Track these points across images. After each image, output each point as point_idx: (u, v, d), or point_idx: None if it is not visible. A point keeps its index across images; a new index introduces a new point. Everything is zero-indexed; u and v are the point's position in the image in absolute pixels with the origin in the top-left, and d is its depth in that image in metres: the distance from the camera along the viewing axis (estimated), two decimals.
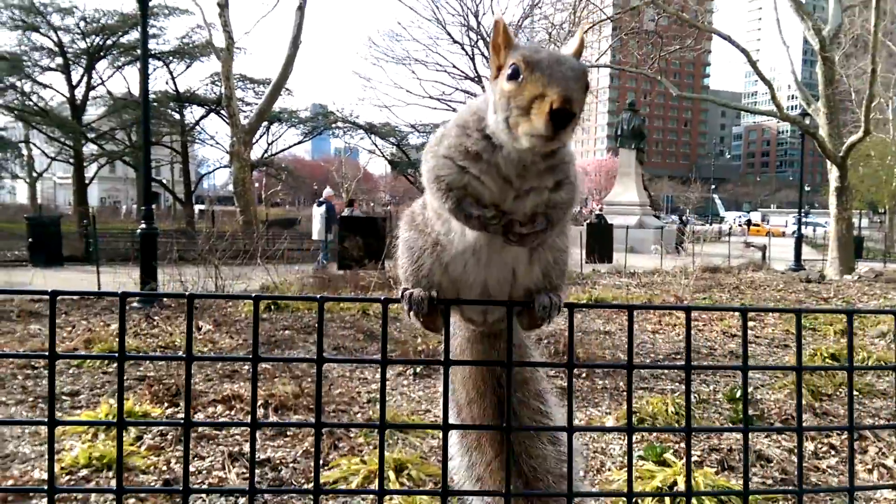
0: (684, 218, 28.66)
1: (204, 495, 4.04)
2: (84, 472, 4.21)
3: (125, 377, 4.85)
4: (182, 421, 1.31)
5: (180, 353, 6.81)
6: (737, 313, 10.21)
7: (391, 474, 4.28)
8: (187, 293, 1.40)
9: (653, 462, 4.47)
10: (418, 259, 1.51)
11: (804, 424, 4.72)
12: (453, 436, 1.76)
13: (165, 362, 6.52)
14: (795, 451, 4.88)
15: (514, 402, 1.61)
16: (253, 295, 1.38)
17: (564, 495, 1.41)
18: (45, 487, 1.25)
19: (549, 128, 1.20)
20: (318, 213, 17.40)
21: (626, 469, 4.08)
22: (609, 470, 4.59)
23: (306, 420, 5.43)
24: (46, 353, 1.31)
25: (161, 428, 4.96)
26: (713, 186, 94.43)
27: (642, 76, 29.18)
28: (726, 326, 10.18)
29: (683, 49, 31.82)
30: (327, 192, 17.62)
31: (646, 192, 34.03)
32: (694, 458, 4.77)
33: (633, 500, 1.40)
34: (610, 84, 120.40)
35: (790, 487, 4.39)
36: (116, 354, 1.31)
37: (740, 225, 60.90)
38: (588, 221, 27.64)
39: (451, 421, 1.77)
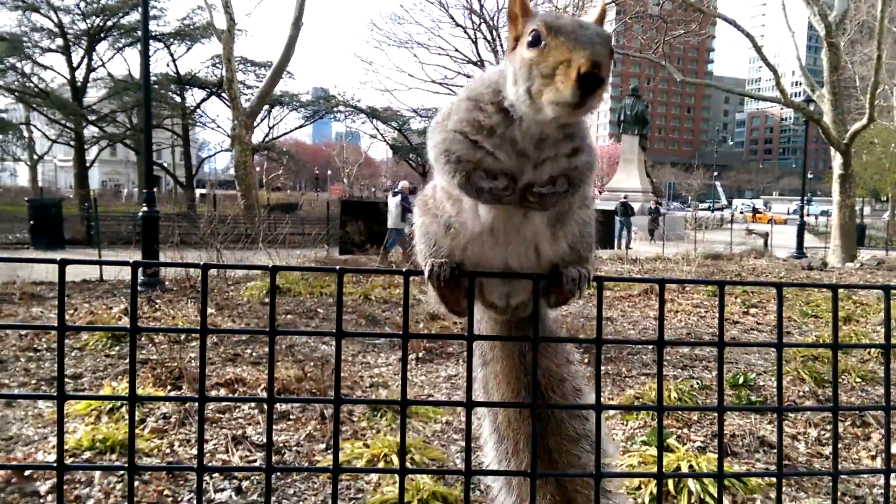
0: (655, 206, 28.01)
1: (207, 477, 4.05)
2: (88, 454, 4.22)
3: (128, 361, 4.80)
4: (196, 396, 1.28)
5: (181, 337, 6.81)
6: (738, 302, 10.15)
7: (393, 458, 4.29)
8: (202, 263, 1.37)
9: (655, 447, 4.46)
10: (435, 244, 1.46)
11: (789, 404, 4.67)
12: (489, 441, 1.72)
13: (168, 345, 6.52)
14: (799, 437, 4.88)
15: (551, 398, 1.58)
16: (270, 266, 1.35)
17: (592, 475, 1.38)
18: (55, 465, 1.23)
19: (577, 94, 1.14)
20: (393, 202, 17.63)
21: (629, 454, 4.05)
22: (612, 455, 4.59)
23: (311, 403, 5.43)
24: (55, 326, 1.28)
25: (164, 411, 4.96)
26: (716, 173, 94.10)
27: (646, 61, 28.99)
28: (728, 313, 10.18)
29: (688, 34, 31.59)
30: (403, 184, 17.73)
31: (648, 179, 33.94)
32: (697, 444, 4.77)
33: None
34: (613, 69, 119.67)
35: (772, 471, 4.39)
36: (128, 327, 1.28)
37: (742, 212, 60.65)
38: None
39: (486, 425, 1.73)
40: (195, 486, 3.92)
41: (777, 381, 1.44)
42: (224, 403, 5.28)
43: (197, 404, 1.30)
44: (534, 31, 1.21)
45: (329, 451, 4.45)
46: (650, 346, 7.96)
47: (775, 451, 4.74)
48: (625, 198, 27.04)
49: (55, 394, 1.24)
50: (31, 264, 11.36)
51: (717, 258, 18.63)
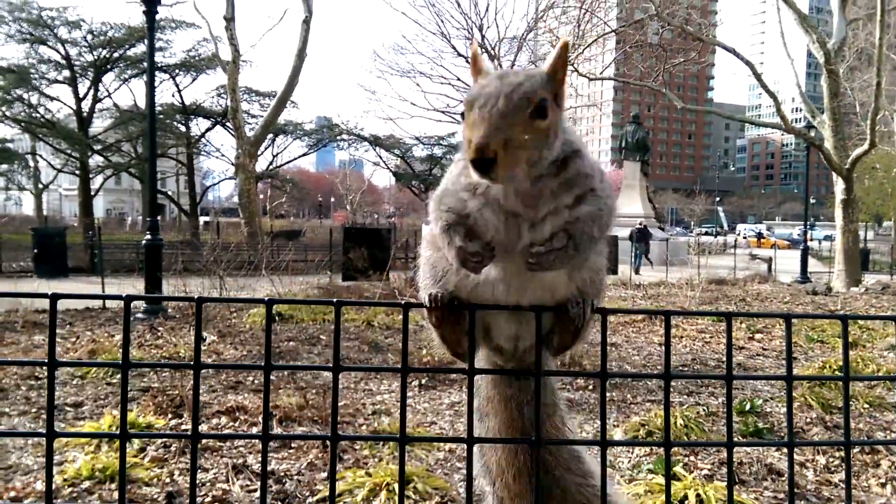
0: (640, 230, 27.14)
1: None
2: (87, 483, 4.16)
3: (130, 388, 4.78)
4: (189, 433, 1.26)
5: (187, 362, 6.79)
6: (744, 327, 10.11)
7: (396, 487, 4.23)
8: (196, 297, 1.36)
9: (662, 475, 4.40)
10: (442, 278, 1.42)
11: (812, 438, 4.60)
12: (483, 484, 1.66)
13: (170, 372, 6.48)
14: (808, 465, 4.81)
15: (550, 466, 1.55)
16: (266, 299, 1.34)
17: None
18: (43, 502, 1.21)
19: (476, 173, 1.16)
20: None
21: (635, 482, 3.99)
22: (618, 484, 4.52)
23: (311, 431, 5.38)
24: (45, 361, 1.26)
25: (165, 440, 4.91)
26: (717, 199, 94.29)
27: (646, 89, 29.24)
28: (734, 338, 10.10)
29: (688, 62, 31.88)
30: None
31: (650, 204, 34.01)
32: (704, 472, 4.70)
33: None
34: (614, 97, 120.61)
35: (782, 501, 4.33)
36: (120, 362, 1.27)
37: (745, 237, 60.52)
38: None
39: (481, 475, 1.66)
40: None
41: (787, 414, 1.40)
42: (227, 430, 5.23)
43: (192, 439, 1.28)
44: (464, 102, 1.25)
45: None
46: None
47: (783, 478, 4.67)
48: (640, 224, 26.99)
49: (44, 431, 1.22)
50: (35, 290, 11.37)
51: (722, 283, 18.58)
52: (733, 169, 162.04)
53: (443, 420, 6.03)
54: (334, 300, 1.32)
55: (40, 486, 4.22)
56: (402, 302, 1.35)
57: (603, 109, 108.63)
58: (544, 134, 1.21)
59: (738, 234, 64.70)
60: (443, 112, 43.67)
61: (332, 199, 77.52)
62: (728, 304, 14.63)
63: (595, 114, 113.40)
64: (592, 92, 72.42)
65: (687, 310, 11.17)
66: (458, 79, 43.21)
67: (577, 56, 32.14)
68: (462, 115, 1.23)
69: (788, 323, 1.36)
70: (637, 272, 22.24)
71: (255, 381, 6.85)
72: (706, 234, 61.18)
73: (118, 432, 1.26)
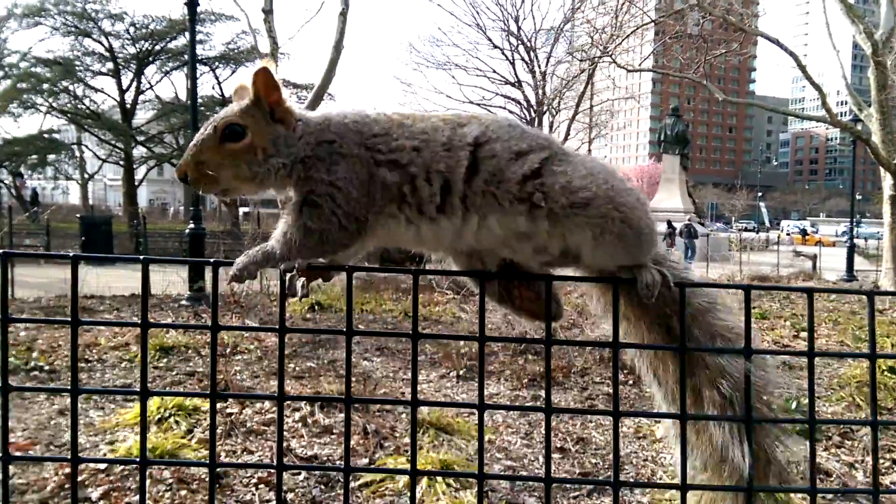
0: (687, 226, 26.36)
1: (253, 489, 4.08)
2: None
3: (176, 373, 4.89)
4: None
5: (227, 350, 6.90)
6: (788, 325, 9.87)
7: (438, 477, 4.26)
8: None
9: None
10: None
11: (860, 437, 4.50)
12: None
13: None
14: (856, 465, 4.70)
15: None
16: (347, 267, 1.37)
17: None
18: (69, 458, 1.26)
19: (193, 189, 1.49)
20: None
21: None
22: (660, 480, 4.48)
23: (353, 418, 5.44)
24: (69, 319, 1.34)
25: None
26: (759, 194, 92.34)
27: (686, 81, 28.74)
28: (778, 336, 9.92)
29: (729, 53, 31.20)
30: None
31: (690, 199, 33.45)
32: None
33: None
34: (652, 89, 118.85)
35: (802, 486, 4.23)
36: (139, 321, 1.34)
37: (789, 234, 59.14)
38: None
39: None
40: (238, 497, 3.96)
41: (809, 390, 1.38)
42: (268, 416, 5.33)
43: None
44: None
45: (371, 464, 4.44)
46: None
47: (831, 478, 4.58)
48: (688, 219, 26.62)
49: (68, 386, 1.27)
50: (82, 277, 11.70)
51: (764, 280, 18.22)
52: (776, 163, 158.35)
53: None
54: (345, 266, 1.45)
55: (92, 464, 4.35)
56: (412, 269, 1.46)
57: (641, 102, 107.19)
58: (244, 151, 1.45)
59: (782, 231, 63.27)
60: (478, 104, 43.70)
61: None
62: (772, 301, 14.34)
63: (633, 106, 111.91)
64: (630, 84, 71.45)
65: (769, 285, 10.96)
66: (494, 71, 42.98)
67: (616, 47, 31.73)
68: None
69: (811, 297, 1.37)
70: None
71: (297, 369, 6.95)
72: (746, 230, 59.85)
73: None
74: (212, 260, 1.39)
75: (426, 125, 1.49)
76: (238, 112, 1.47)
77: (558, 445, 5.23)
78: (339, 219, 1.42)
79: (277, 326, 1.38)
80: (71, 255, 1.34)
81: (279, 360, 1.40)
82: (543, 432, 5.39)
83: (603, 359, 7.50)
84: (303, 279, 1.43)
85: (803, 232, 60.20)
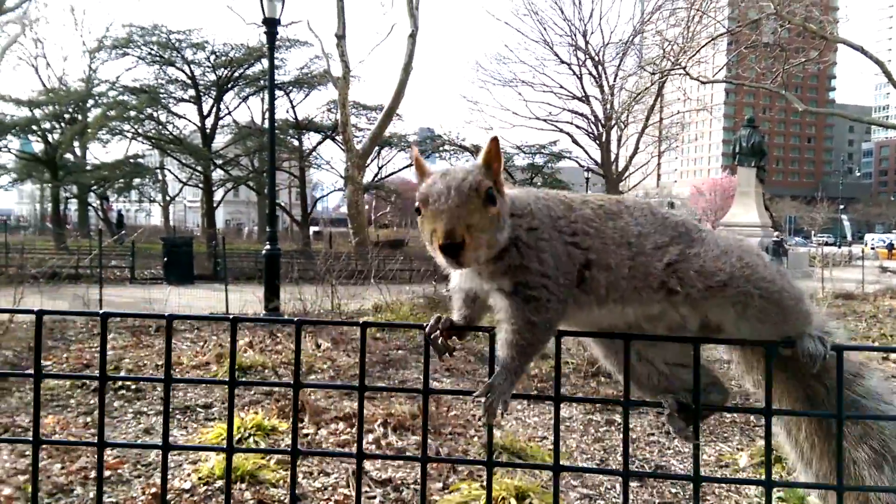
0: (778, 240, 25.56)
1: None
2: (219, 482, 4.42)
3: (254, 392, 5.02)
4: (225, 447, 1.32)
5: (302, 369, 7.05)
6: (876, 344, 9.34)
7: (513, 501, 4.22)
8: (296, 318, 1.49)
9: None
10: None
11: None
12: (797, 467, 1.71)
13: (291, 377, 6.77)
14: None
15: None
16: (360, 322, 1.42)
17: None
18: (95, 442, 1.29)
19: (443, 259, 1.31)
20: None
21: None
22: None
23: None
24: (97, 376, 1.39)
25: (290, 440, 5.15)
26: (841, 206, 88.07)
27: (761, 91, 27.85)
28: (866, 358, 9.39)
29: (808, 62, 30.07)
30: None
31: (767, 213, 32.20)
32: None
33: None
34: (725, 100, 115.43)
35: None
36: (162, 378, 1.39)
37: (873, 248, 55.99)
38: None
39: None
40: None
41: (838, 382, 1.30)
42: (343, 437, 5.41)
43: (293, 453, 1.34)
44: (417, 201, 1.38)
45: (447, 491, 4.44)
46: None
47: None
48: (778, 237, 25.83)
49: (95, 441, 1.31)
50: (166, 299, 12.23)
51: (850, 297, 17.33)
52: (858, 174, 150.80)
53: (552, 434, 5.95)
54: (360, 322, 1.39)
55: (177, 483, 4.51)
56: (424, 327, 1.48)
57: (713, 113, 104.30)
58: (497, 218, 1.36)
59: (866, 245, 59.97)
60: (544, 120, 43.57)
61: None
62: (857, 320, 13.62)
63: (705, 118, 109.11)
64: (702, 95, 69.70)
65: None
66: (561, 86, 42.91)
67: (689, 59, 31.05)
68: (416, 209, 1.38)
69: None
70: None
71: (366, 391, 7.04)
72: (826, 244, 57.06)
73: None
74: (230, 316, 1.43)
75: (588, 212, 1.51)
76: (482, 175, 1.38)
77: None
78: (554, 305, 1.41)
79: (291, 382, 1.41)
80: (100, 313, 1.39)
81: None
82: (620, 460, 5.27)
83: None
84: (441, 338, 1.49)
85: (890, 246, 56.69)
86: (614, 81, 41.72)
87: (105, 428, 4.71)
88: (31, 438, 1.01)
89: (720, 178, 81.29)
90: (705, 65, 41.93)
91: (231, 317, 1.27)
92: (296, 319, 1.48)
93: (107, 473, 4.55)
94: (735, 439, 5.75)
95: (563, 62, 42.15)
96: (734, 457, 5.31)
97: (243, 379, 7.19)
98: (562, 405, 5.23)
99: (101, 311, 0.98)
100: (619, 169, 42.82)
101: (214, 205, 39.30)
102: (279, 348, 8.80)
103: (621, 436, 5.80)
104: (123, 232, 27.06)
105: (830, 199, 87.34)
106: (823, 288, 18.03)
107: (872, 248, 55.75)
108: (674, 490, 4.77)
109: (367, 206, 45.14)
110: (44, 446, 4.21)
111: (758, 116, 49.08)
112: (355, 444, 4.84)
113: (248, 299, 11.48)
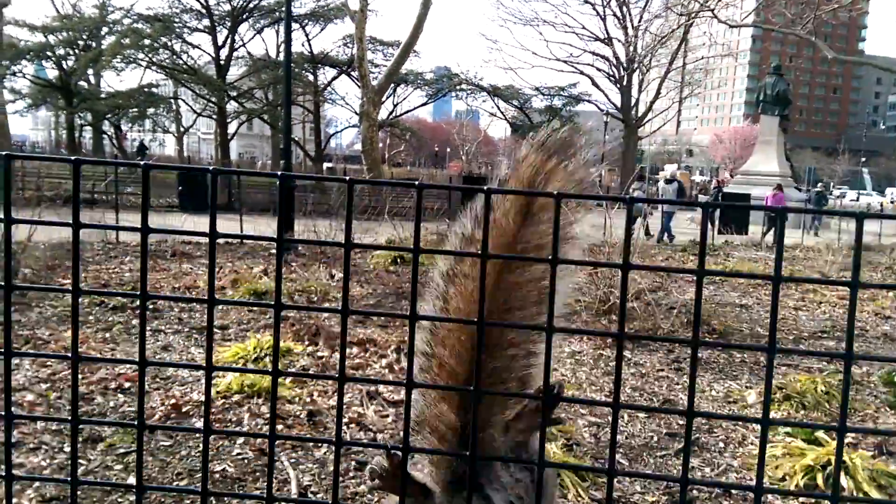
0: (821, 190, 25.06)
1: (343, 427, 4.23)
2: (236, 396, 4.53)
3: (269, 316, 5.04)
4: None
5: (317, 297, 7.12)
6: (892, 295, 9.31)
7: None
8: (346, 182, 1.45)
9: (801, 440, 4.19)
10: None
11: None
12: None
13: (307, 303, 6.85)
14: None
15: None
16: (347, 179, 1.38)
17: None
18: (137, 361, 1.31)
19: None
20: (668, 189, 18.75)
21: (772, 445, 3.82)
22: (752, 444, 4.37)
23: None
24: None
25: (303, 363, 5.26)
26: (863, 159, 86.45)
27: (788, 38, 27.02)
28: (879, 307, 9.39)
29: (840, 8, 29.01)
30: (674, 170, 18.58)
31: (787, 163, 31.71)
32: (848, 441, 4.44)
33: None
34: (752, 46, 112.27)
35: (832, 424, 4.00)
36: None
37: (892, 201, 55.23)
38: (720, 191, 25.99)
39: None
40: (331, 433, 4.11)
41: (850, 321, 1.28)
42: (357, 360, 5.50)
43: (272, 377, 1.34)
44: None
45: None
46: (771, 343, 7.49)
47: None
48: (821, 188, 25.37)
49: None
50: (181, 224, 12.31)
51: (866, 249, 17.18)
52: (883, 127, 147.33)
53: (563, 367, 6.02)
54: (347, 178, 1.32)
55: (196, 395, 4.62)
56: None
57: (738, 60, 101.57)
58: None
59: (886, 198, 59.19)
60: (565, 62, 42.63)
61: (448, 149, 77.96)
62: (873, 271, 13.55)
63: (729, 64, 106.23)
64: (728, 41, 67.58)
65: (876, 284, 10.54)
66: (583, 27, 41.82)
67: (717, 1, 30.06)
68: None
69: (860, 223, 1.24)
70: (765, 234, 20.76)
71: (380, 318, 7.12)
72: (843, 196, 56.27)
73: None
74: (276, 237, 1.41)
75: None
76: None
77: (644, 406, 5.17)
78: None
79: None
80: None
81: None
82: (629, 392, 5.34)
83: (691, 322, 7.31)
84: None
85: None
86: (639, 23, 40.56)
87: (123, 344, 4.78)
88: (69, 355, 1.01)
89: (741, 127, 79.78)
90: (734, 9, 40.57)
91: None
92: (347, 178, 1.44)
93: (126, 384, 4.67)
94: (744, 378, 5.80)
95: (586, 1, 40.95)
96: (742, 393, 5.36)
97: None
98: (571, 339, 5.22)
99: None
100: (639, 114, 42.05)
101: (228, 137, 39.08)
102: (293, 276, 8.88)
103: (630, 370, 5.86)
104: (145, 160, 27.13)
105: (852, 152, 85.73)
106: (839, 239, 17.88)
107: (892, 202, 55.06)
108: (681, 422, 4.84)
109: (380, 144, 44.83)
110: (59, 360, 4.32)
111: (784, 64, 47.74)
112: (369, 369, 4.89)
113: (261, 230, 11.54)
